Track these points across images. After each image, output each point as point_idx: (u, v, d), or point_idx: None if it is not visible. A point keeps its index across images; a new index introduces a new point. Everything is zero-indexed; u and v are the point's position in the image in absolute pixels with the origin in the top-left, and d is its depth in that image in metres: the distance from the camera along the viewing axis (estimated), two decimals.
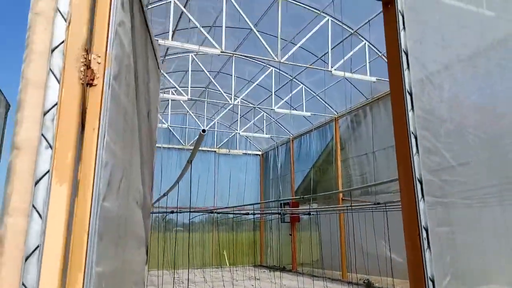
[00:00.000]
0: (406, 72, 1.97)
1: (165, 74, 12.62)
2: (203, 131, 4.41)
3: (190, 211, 12.03)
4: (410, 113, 1.94)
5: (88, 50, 1.35)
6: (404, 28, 2.03)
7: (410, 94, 1.96)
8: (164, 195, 10.12)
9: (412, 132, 1.90)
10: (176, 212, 11.68)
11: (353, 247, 11.85)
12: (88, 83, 1.36)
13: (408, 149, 1.89)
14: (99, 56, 1.38)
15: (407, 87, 1.96)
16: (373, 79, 10.14)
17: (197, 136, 5.76)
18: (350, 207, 10.41)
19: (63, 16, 1.32)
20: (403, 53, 1.97)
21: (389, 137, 11.65)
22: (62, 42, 1.31)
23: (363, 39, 10.31)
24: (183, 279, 12.30)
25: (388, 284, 10.04)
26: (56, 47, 1.30)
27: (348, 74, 9.80)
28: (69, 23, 1.32)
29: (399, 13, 2.05)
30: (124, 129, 1.74)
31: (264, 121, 17.62)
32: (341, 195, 13.79)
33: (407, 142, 1.88)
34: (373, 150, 12.42)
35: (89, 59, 1.36)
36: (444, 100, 2.07)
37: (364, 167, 13.10)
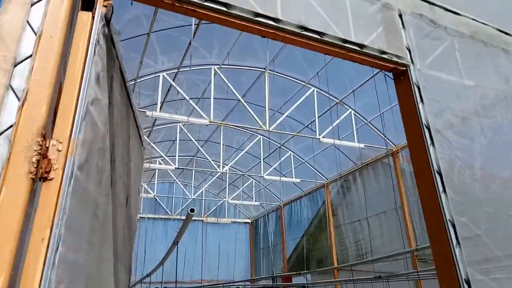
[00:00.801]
0: (431, 149, 1.71)
1: (153, 144, 12.44)
2: (192, 210, 4.04)
3: None
4: (442, 196, 1.63)
5: (45, 135, 1.05)
6: (422, 100, 1.82)
7: (440, 174, 1.67)
8: (147, 275, 9.21)
9: (449, 220, 1.56)
10: None
11: None
12: (41, 177, 1.03)
13: (446, 241, 1.54)
14: (61, 142, 1.08)
15: (435, 166, 1.68)
16: (361, 145, 10.16)
17: (185, 216, 5.35)
18: (352, 281, 9.62)
19: (16, 94, 1.04)
20: (425, 128, 1.73)
21: (380, 203, 11.45)
22: (11, 126, 1.01)
23: (348, 107, 10.55)
24: None
25: None
26: (2, 133, 1.00)
27: (337, 142, 9.79)
28: (23, 103, 1.04)
29: (415, 85, 1.85)
30: (92, 227, 1.37)
31: (253, 188, 17.19)
32: (336, 264, 12.98)
33: (444, 231, 1.54)
34: (366, 216, 12.09)
35: (46, 146, 1.05)
36: (477, 179, 1.79)
37: (358, 233, 12.66)
